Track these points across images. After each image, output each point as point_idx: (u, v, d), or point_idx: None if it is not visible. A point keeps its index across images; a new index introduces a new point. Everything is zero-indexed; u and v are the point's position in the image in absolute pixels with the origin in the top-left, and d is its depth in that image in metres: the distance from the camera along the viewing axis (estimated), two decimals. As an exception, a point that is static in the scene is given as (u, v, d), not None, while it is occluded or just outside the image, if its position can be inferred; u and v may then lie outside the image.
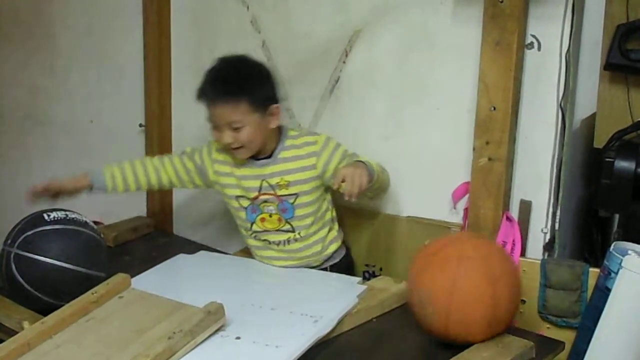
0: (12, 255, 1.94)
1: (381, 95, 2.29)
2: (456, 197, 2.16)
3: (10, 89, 3.18)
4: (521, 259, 2.02)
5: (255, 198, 2.17)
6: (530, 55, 2.02)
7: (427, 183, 2.24)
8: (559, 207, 2.10)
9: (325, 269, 2.24)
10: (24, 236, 1.95)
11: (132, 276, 2.03)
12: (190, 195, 2.70)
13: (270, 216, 2.17)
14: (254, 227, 2.20)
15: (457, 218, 2.18)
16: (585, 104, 2.31)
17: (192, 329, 1.70)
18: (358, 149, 2.22)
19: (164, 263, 2.27)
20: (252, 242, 2.26)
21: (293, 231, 2.18)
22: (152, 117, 2.76)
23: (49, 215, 2.01)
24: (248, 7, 2.49)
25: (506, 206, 2.08)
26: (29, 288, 1.93)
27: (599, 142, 2.28)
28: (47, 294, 1.93)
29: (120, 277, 1.98)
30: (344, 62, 2.34)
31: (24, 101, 3.15)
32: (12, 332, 1.84)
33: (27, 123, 3.15)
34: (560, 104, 2.02)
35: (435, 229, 2.19)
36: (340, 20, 2.32)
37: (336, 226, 2.27)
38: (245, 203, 2.19)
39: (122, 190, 2.25)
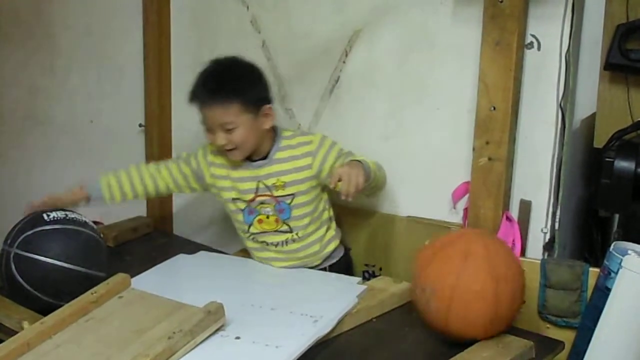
0: (11, 255, 1.94)
1: (381, 95, 2.29)
2: (456, 197, 2.16)
3: (10, 89, 3.18)
4: (521, 258, 2.02)
5: (252, 200, 2.17)
6: (530, 55, 2.02)
7: (427, 183, 2.24)
8: (558, 207, 2.10)
9: (324, 269, 2.24)
10: (23, 236, 1.96)
11: (132, 276, 2.03)
12: (190, 196, 2.70)
13: (267, 217, 2.17)
14: (252, 229, 2.20)
15: (457, 218, 2.18)
16: (585, 104, 2.31)
17: (192, 329, 1.70)
18: (358, 149, 2.22)
19: (164, 263, 2.27)
20: (250, 244, 2.26)
21: (291, 232, 2.18)
22: (152, 117, 2.76)
23: (48, 215, 2.02)
24: (248, 7, 2.49)
25: (506, 206, 2.08)
26: (28, 288, 1.93)
27: (599, 142, 2.28)
28: (47, 294, 1.93)
29: (120, 277, 1.98)
30: (344, 62, 2.34)
31: (24, 101, 3.15)
32: (11, 332, 1.84)
33: (27, 123, 3.15)
34: (560, 104, 2.02)
35: (435, 229, 2.19)
36: (340, 20, 2.32)
37: (334, 225, 2.27)
38: (242, 205, 2.19)
39: (119, 200, 2.25)
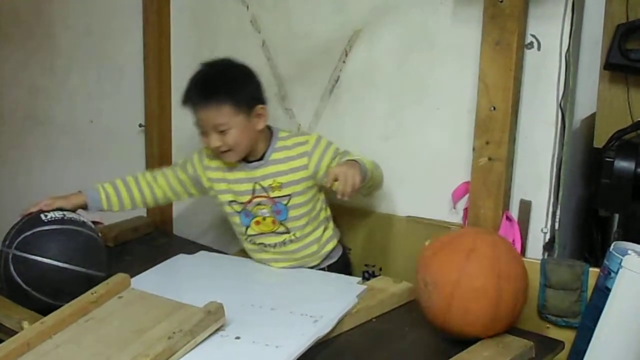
0: (10, 257, 1.94)
1: (381, 95, 2.29)
2: (456, 197, 2.16)
3: (10, 89, 3.18)
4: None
5: (249, 201, 2.16)
6: (530, 55, 2.02)
7: (427, 183, 2.24)
8: (558, 207, 2.10)
9: (322, 269, 2.24)
10: (21, 237, 1.95)
11: (132, 276, 2.03)
12: (190, 196, 2.70)
13: (264, 219, 2.17)
14: (249, 231, 2.20)
15: (457, 218, 2.18)
16: (585, 104, 2.31)
17: (192, 329, 1.70)
18: (358, 148, 2.22)
19: (164, 263, 2.27)
20: (248, 245, 2.26)
21: (288, 232, 2.18)
22: (152, 117, 2.76)
23: (46, 216, 2.02)
24: (248, 7, 2.49)
25: (506, 206, 2.08)
26: (27, 289, 1.93)
27: (599, 142, 2.28)
28: (46, 295, 1.93)
29: (120, 277, 1.98)
30: (344, 62, 2.34)
31: (24, 101, 3.16)
32: (11, 332, 1.84)
33: (27, 123, 3.16)
34: (560, 104, 2.02)
35: (435, 229, 2.19)
36: (340, 20, 2.32)
37: (331, 225, 2.27)
38: (238, 208, 2.19)
39: (117, 210, 2.26)
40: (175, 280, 2.22)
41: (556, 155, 2.05)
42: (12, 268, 1.93)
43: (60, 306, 1.87)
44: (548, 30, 1.99)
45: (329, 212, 2.26)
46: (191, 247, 2.46)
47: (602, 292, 1.83)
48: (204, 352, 1.71)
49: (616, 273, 1.79)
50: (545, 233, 2.09)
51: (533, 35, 2.01)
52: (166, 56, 2.71)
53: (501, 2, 1.94)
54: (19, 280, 1.93)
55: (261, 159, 2.15)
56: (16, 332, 1.82)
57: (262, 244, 2.21)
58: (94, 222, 2.15)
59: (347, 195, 1.96)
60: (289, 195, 2.14)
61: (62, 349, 1.74)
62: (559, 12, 1.97)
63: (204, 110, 2.06)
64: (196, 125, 2.10)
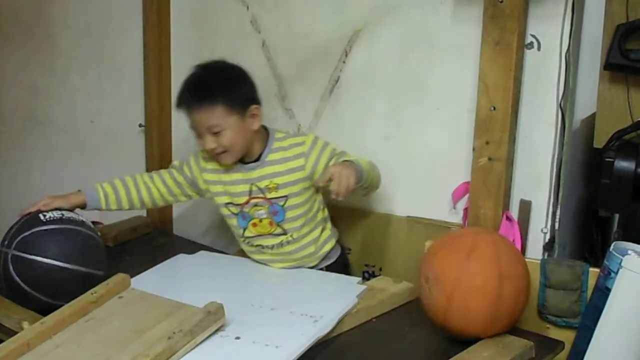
0: (9, 257, 1.94)
1: (381, 95, 2.29)
2: (456, 197, 2.16)
3: (10, 89, 3.18)
4: (521, 258, 2.02)
5: (246, 202, 2.16)
6: (530, 55, 2.02)
7: (427, 183, 2.24)
8: (558, 207, 2.10)
9: (321, 269, 2.24)
10: (20, 237, 1.95)
11: (132, 276, 2.03)
12: (190, 196, 2.70)
13: (261, 221, 2.17)
14: (246, 233, 2.20)
15: (457, 218, 2.18)
16: (585, 104, 2.31)
17: (192, 329, 1.70)
18: (358, 149, 2.22)
19: (163, 263, 2.27)
20: (246, 247, 2.26)
21: (285, 234, 2.18)
22: (152, 117, 2.76)
23: (45, 216, 2.02)
24: (248, 7, 2.49)
25: (506, 206, 2.08)
26: (27, 289, 1.93)
27: (599, 142, 2.28)
28: (46, 294, 1.93)
29: (120, 277, 1.98)
30: (344, 62, 2.34)
31: (24, 101, 3.15)
32: (11, 333, 1.84)
33: (27, 123, 3.15)
34: (560, 104, 2.02)
35: (435, 229, 2.19)
36: (340, 20, 2.32)
37: (329, 226, 2.26)
38: (235, 210, 2.19)
39: (115, 209, 2.26)
40: (175, 280, 2.22)
41: (556, 155, 2.06)
42: (11, 268, 1.93)
43: (60, 306, 1.87)
44: (548, 30, 1.99)
45: (326, 212, 2.26)
46: (191, 247, 2.46)
47: (602, 292, 1.83)
48: (204, 352, 1.71)
49: (616, 273, 1.79)
50: (545, 233, 2.09)
51: (533, 36, 2.01)
52: (166, 56, 2.71)
53: (501, 2, 1.94)
54: (18, 280, 1.93)
55: (257, 160, 2.15)
56: (16, 333, 1.81)
57: (259, 245, 2.21)
58: (93, 222, 2.16)
59: (341, 195, 1.96)
60: (285, 196, 2.14)
61: (62, 349, 1.74)
62: (559, 12, 1.97)
63: (197, 113, 2.06)
64: (191, 128, 2.11)
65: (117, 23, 2.84)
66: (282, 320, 1.87)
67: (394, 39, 2.23)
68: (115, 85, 2.88)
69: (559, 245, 2.14)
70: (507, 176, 2.05)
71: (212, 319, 1.75)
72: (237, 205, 2.17)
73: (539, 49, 2.01)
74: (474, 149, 2.06)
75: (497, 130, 2.01)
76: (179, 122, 2.71)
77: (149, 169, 2.73)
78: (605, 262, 1.85)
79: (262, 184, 2.14)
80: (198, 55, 2.55)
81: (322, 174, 2.02)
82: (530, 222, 2.09)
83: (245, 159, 2.15)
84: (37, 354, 1.73)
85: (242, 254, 2.37)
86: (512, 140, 2.04)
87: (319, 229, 2.22)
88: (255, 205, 2.16)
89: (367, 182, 2.08)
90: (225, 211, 2.21)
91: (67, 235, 1.99)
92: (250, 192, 2.15)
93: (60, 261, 1.94)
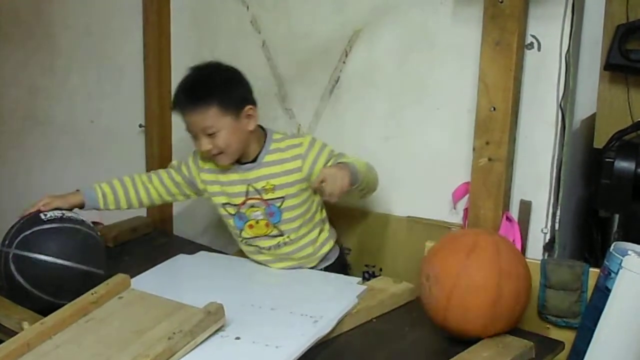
0: (10, 256, 1.94)
1: (381, 95, 2.29)
2: (456, 197, 2.16)
3: (10, 89, 3.18)
4: (521, 259, 2.02)
5: (243, 203, 2.16)
6: (530, 55, 2.02)
7: (427, 183, 2.24)
8: (559, 207, 2.10)
9: (319, 271, 2.23)
10: (21, 236, 1.96)
11: (132, 276, 2.03)
12: (190, 196, 2.70)
13: (257, 222, 2.17)
14: (244, 234, 2.20)
15: (457, 218, 2.18)
16: (585, 104, 2.31)
17: (192, 329, 1.70)
18: (358, 149, 2.22)
19: (163, 263, 2.27)
20: (244, 247, 2.26)
21: (282, 235, 2.17)
22: (152, 117, 2.76)
23: (45, 215, 2.02)
24: (248, 7, 2.49)
25: (506, 206, 2.08)
26: (28, 287, 1.93)
27: (599, 142, 2.28)
28: (47, 293, 1.93)
29: (120, 277, 1.98)
30: (344, 62, 2.34)
31: (24, 101, 3.15)
32: (12, 333, 1.84)
33: (27, 123, 3.15)
34: (560, 104, 2.02)
35: (435, 229, 2.19)
36: (340, 20, 2.32)
37: (327, 227, 2.26)
38: (232, 210, 2.19)
39: (113, 208, 2.27)
40: (175, 281, 2.22)
41: (556, 156, 2.06)
42: (12, 267, 1.94)
43: (60, 304, 1.88)
44: (548, 30, 1.99)
45: (324, 214, 2.26)
46: (191, 247, 2.46)
47: (602, 293, 1.83)
48: (204, 353, 1.71)
49: (616, 273, 1.79)
50: (546, 233, 2.09)
51: (533, 36, 2.01)
52: (166, 56, 2.71)
53: (501, 2, 1.94)
54: (19, 278, 1.93)
55: (254, 160, 2.14)
56: (16, 333, 1.81)
57: (257, 246, 2.21)
58: (93, 223, 2.16)
59: (334, 197, 1.96)
60: (282, 197, 2.13)
61: (62, 350, 1.74)
62: (559, 13, 1.97)
63: (191, 114, 2.06)
64: (187, 130, 2.11)
65: (117, 23, 2.84)
66: (282, 320, 1.87)
67: (394, 39, 2.23)
68: (115, 85, 2.88)
69: (559, 245, 2.14)
70: (507, 176, 2.05)
71: (212, 319, 1.75)
72: (234, 205, 2.17)
73: (539, 49, 2.01)
74: (474, 149, 2.06)
75: (497, 131, 2.01)
76: (179, 122, 2.70)
77: (148, 169, 2.73)
78: (606, 262, 1.85)
79: (259, 185, 2.13)
80: (198, 55, 2.55)
81: (316, 176, 2.02)
82: (530, 222, 2.09)
83: (241, 160, 2.15)
84: (37, 354, 1.73)
85: (241, 254, 2.37)
86: (512, 140, 2.04)
87: (316, 230, 2.22)
88: (252, 206, 2.16)
89: (362, 185, 2.07)
90: (222, 211, 2.21)
91: (67, 233, 2.00)
92: (247, 192, 2.15)
93: (61, 259, 1.94)
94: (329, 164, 2.09)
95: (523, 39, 1.99)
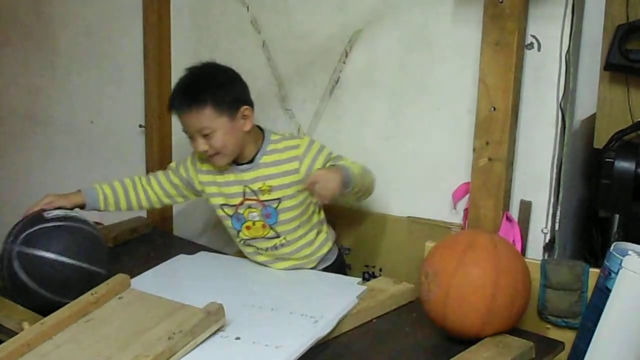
0: (14, 253, 1.94)
1: (381, 95, 2.29)
2: (456, 197, 2.16)
3: (10, 89, 3.18)
4: (521, 259, 2.02)
5: (240, 204, 2.16)
6: (530, 55, 2.02)
7: (427, 183, 2.24)
8: (559, 208, 2.10)
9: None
10: (25, 233, 1.96)
11: (132, 276, 2.03)
12: (190, 196, 2.70)
13: (254, 224, 2.16)
14: (241, 235, 2.20)
15: (457, 218, 2.18)
16: (585, 104, 2.31)
17: (192, 330, 1.70)
18: (358, 149, 2.22)
19: (163, 263, 2.27)
20: (243, 248, 2.26)
21: (278, 236, 2.17)
22: (152, 117, 2.76)
23: (48, 214, 2.03)
24: (248, 7, 2.49)
25: (506, 206, 2.08)
26: (31, 285, 1.93)
27: (599, 142, 2.29)
28: (50, 291, 1.93)
29: (120, 277, 1.98)
30: (344, 62, 2.34)
31: (24, 101, 3.15)
32: (12, 333, 1.84)
33: (27, 123, 3.15)
34: (560, 104, 2.02)
35: (436, 229, 2.19)
36: (340, 20, 2.32)
37: (325, 228, 2.26)
38: (230, 211, 2.18)
39: (113, 210, 2.27)
40: (175, 281, 2.22)
41: (556, 156, 2.06)
42: (16, 264, 1.93)
43: (61, 303, 1.88)
44: (548, 30, 1.99)
45: (322, 215, 2.25)
46: (191, 247, 2.45)
47: (603, 293, 1.83)
48: (204, 353, 1.71)
49: (616, 274, 1.79)
50: (546, 233, 2.09)
51: (533, 36, 2.01)
52: (166, 56, 2.71)
53: (501, 2, 1.94)
54: (23, 276, 1.93)
55: (251, 161, 2.14)
56: (16, 333, 1.81)
57: (255, 247, 2.21)
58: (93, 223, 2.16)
59: (325, 199, 1.96)
60: (278, 198, 2.13)
61: (62, 350, 1.74)
62: (559, 13, 1.97)
63: (187, 115, 2.06)
64: (183, 131, 2.11)
65: (117, 23, 2.84)
66: (282, 320, 1.87)
67: (394, 39, 2.23)
68: (115, 85, 2.88)
69: (559, 245, 2.14)
70: (507, 176, 2.05)
71: (212, 320, 1.75)
72: (232, 206, 2.17)
73: (539, 49, 2.01)
74: (474, 150, 2.06)
75: (497, 131, 2.01)
76: (179, 122, 2.72)
77: (148, 170, 2.73)
78: (606, 262, 1.85)
79: (255, 186, 2.13)
80: (198, 55, 2.55)
81: (308, 178, 2.02)
82: (530, 222, 2.09)
83: (238, 161, 2.14)
84: (37, 355, 1.73)
85: (241, 254, 2.37)
86: (512, 140, 2.04)
87: (314, 232, 2.22)
88: (249, 207, 2.15)
89: (356, 188, 2.06)
90: (220, 212, 2.21)
91: (71, 232, 2.00)
92: (244, 193, 2.15)
93: (65, 257, 1.94)
94: (327, 166, 2.09)
95: (523, 39, 1.99)
